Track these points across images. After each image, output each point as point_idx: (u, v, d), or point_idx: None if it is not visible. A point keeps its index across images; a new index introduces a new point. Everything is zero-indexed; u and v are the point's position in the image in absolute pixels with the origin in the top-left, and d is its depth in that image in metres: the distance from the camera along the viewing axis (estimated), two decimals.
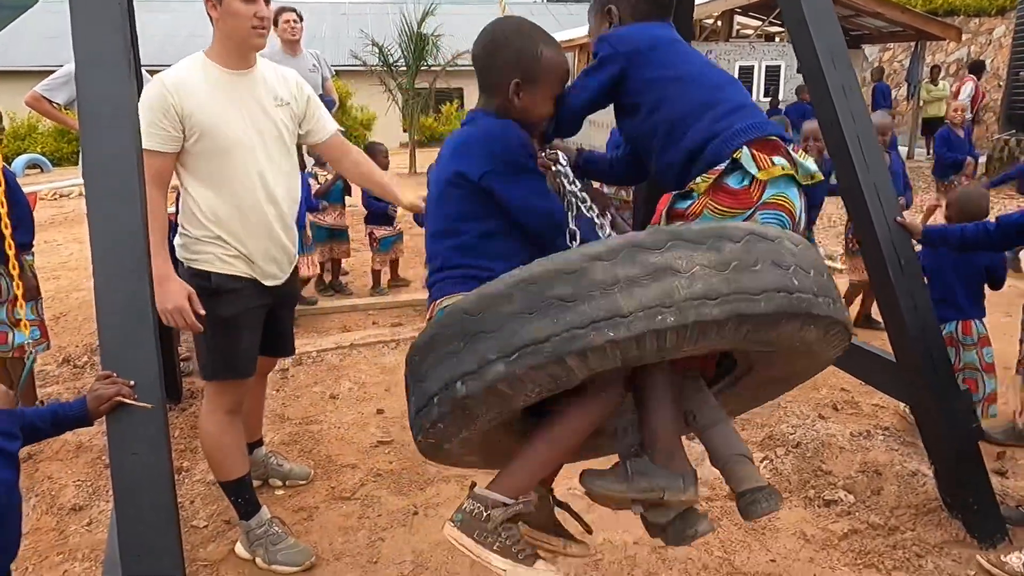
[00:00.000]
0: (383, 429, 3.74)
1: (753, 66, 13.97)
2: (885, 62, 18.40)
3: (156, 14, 23.96)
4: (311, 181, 5.70)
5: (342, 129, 2.85)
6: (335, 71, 6.76)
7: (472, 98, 25.00)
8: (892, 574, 2.58)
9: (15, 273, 2.92)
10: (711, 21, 14.81)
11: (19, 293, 2.97)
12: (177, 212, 4.11)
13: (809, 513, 2.96)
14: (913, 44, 14.65)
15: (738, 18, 15.64)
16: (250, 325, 2.54)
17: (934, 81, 13.48)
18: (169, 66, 2.47)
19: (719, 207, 1.76)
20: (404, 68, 15.32)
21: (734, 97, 1.87)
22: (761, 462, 3.32)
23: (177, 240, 2.52)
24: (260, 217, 2.49)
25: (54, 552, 2.80)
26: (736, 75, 13.82)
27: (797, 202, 1.79)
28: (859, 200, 2.77)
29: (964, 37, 15.37)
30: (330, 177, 5.61)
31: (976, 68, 12.50)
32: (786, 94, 14.02)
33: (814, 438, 3.46)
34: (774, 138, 1.81)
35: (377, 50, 15.17)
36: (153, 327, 1.88)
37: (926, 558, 2.64)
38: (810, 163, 1.83)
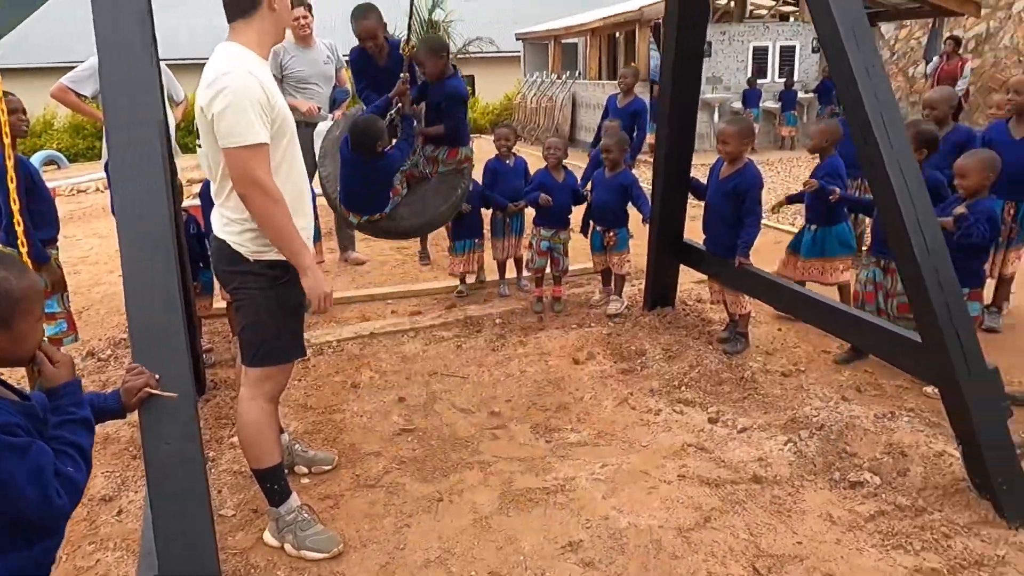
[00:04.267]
0: (405, 417, 3.76)
1: (768, 46, 13.81)
2: (902, 39, 18.13)
3: (160, 7, 24.04)
4: None
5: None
6: (347, 61, 6.75)
7: (484, 83, 24.80)
8: (921, 555, 2.57)
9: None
10: (724, 2, 14.65)
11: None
12: (204, 204, 4.13)
13: (835, 495, 2.95)
14: (931, 20, 14.42)
15: None
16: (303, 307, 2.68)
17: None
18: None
19: None
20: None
21: None
22: (785, 445, 3.31)
23: (239, 236, 2.47)
24: (308, 200, 2.64)
25: (86, 542, 2.84)
26: (750, 56, 13.69)
27: None
28: (884, 180, 2.74)
29: (983, 12, 15.10)
30: None
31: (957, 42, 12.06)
32: (800, 75, 13.86)
33: (838, 420, 3.44)
34: None
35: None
36: (182, 319, 1.89)
37: (954, 539, 2.62)
38: None
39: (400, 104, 4.07)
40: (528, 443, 3.48)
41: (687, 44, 4.26)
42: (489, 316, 5.11)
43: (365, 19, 4.30)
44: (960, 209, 3.55)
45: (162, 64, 5.28)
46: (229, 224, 2.47)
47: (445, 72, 4.17)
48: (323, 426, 3.68)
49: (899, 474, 3.03)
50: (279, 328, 2.55)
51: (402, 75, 4.05)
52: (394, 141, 4.07)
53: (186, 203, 4.46)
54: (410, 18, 4.32)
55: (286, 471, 3.15)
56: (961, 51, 13.49)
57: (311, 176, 5.78)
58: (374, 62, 4.39)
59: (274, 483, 2.67)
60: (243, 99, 2.24)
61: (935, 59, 11.75)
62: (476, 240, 5.44)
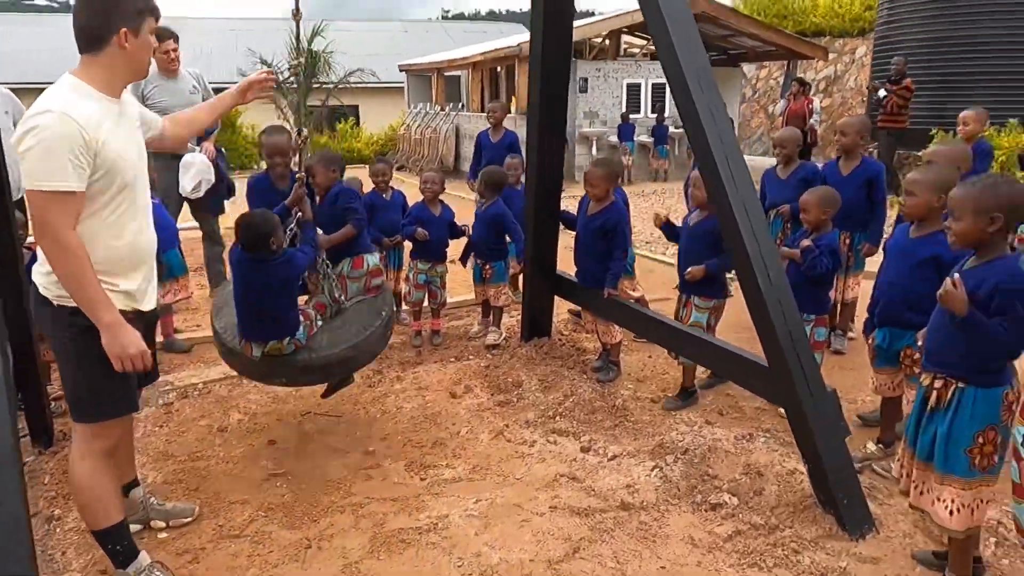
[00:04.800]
0: (275, 460, 3.62)
1: (640, 84, 14.49)
2: (762, 79, 19.50)
3: (17, 26, 22.66)
4: None
5: None
6: (223, 89, 6.47)
7: (368, 113, 24.59)
8: (773, 571, 2.71)
9: None
10: (599, 40, 15.27)
11: None
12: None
13: (697, 518, 3.07)
14: (786, 62, 15.60)
15: (625, 37, 16.20)
16: None
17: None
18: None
19: None
20: (296, 86, 15.02)
21: None
22: (652, 470, 3.42)
23: (44, 277, 2.34)
24: (149, 248, 2.52)
25: None
26: (624, 92, 14.31)
27: None
28: (729, 215, 2.91)
29: (831, 56, 16.49)
30: None
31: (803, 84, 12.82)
32: (671, 110, 14.60)
33: (701, 444, 3.60)
34: None
35: (266, 67, 14.79)
36: (2, 376, 1.76)
37: (803, 553, 2.78)
38: None
39: (299, 213, 3.59)
40: (402, 482, 3.43)
41: (553, 79, 4.41)
42: None
43: (276, 136, 4.10)
44: (806, 242, 3.82)
45: (6, 88, 4.96)
46: (40, 265, 2.34)
47: (333, 185, 4.06)
48: (185, 475, 3.49)
49: (755, 493, 3.19)
50: (97, 381, 2.37)
51: (298, 175, 3.66)
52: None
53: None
54: (299, 111, 4.16)
55: (142, 526, 2.98)
56: (812, 92, 14.63)
57: (177, 213, 5.54)
58: (274, 187, 4.14)
59: (116, 544, 2.49)
60: (53, 141, 2.11)
61: (782, 101, 12.67)
62: None
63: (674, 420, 3.94)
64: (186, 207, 5.73)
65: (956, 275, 2.37)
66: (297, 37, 3.67)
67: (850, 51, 16.92)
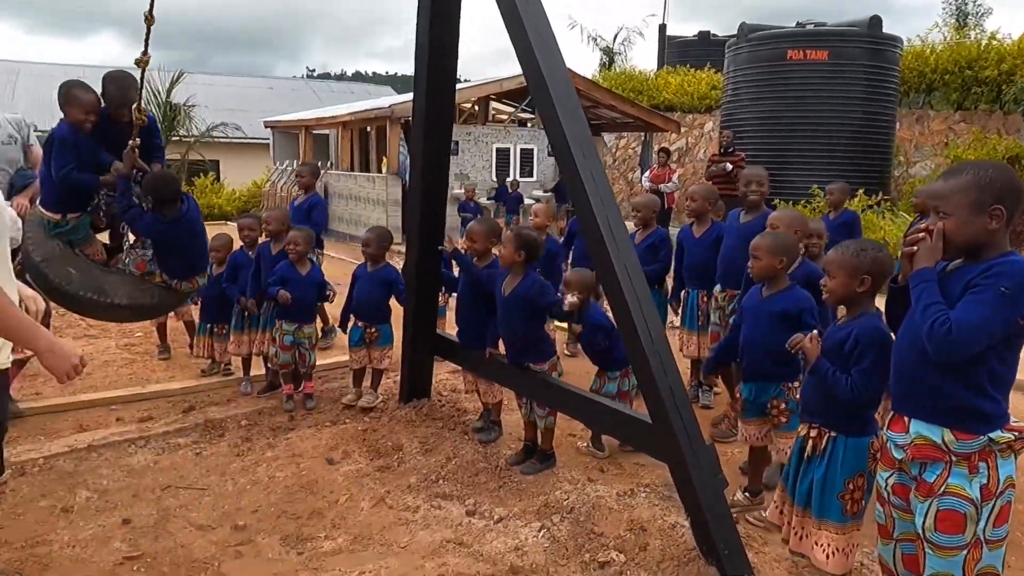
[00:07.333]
0: (130, 542, 3.29)
1: (509, 148, 14.95)
2: (622, 148, 20.68)
3: None
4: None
5: None
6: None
7: (230, 169, 23.76)
8: None
9: None
10: (469, 105, 15.69)
11: None
12: None
13: None
14: (643, 133, 16.65)
15: (493, 104, 16.73)
16: None
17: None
18: None
19: None
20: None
21: None
22: (539, 531, 3.40)
23: None
24: None
25: None
26: (494, 156, 14.73)
27: None
28: (612, 277, 3.02)
29: (683, 130, 17.78)
30: None
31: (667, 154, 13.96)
32: (539, 175, 15.15)
33: (586, 501, 3.62)
34: None
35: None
36: None
37: None
38: None
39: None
40: (278, 558, 3.21)
41: (435, 141, 4.45)
42: (233, 418, 4.73)
43: (87, 94, 3.93)
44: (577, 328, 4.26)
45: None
46: None
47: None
48: (23, 564, 3.09)
49: (641, 549, 3.23)
50: None
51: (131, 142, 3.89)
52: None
53: None
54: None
55: None
56: (669, 161, 15.67)
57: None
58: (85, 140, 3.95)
59: None
60: None
61: (648, 171, 13.49)
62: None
63: (557, 479, 3.95)
64: None
65: (815, 331, 2.63)
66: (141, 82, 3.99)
67: (699, 126, 18.32)
